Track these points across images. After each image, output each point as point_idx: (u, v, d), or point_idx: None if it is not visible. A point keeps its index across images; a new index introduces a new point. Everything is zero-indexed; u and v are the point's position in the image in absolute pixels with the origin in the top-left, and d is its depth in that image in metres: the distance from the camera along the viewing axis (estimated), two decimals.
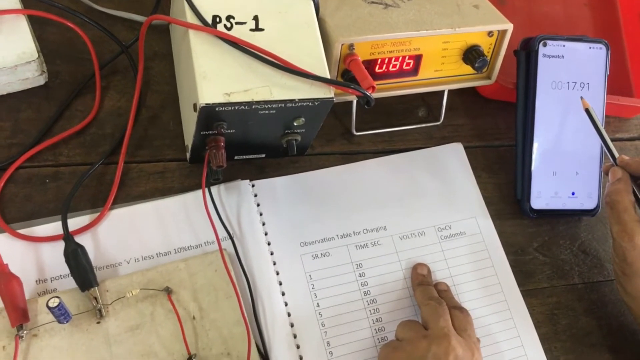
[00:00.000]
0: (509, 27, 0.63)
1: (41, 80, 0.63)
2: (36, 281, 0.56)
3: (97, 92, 0.64)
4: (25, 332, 0.52)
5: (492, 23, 0.63)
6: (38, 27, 0.63)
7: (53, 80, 0.64)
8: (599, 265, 0.70)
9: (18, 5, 0.61)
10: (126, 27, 0.68)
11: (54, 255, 0.56)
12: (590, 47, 0.70)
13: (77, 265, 0.54)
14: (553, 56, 0.69)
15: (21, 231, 0.57)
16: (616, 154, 0.63)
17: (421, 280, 0.62)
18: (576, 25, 0.82)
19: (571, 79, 0.69)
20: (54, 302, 0.50)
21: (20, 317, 0.52)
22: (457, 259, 0.66)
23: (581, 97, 0.65)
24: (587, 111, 0.64)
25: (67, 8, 0.65)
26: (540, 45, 0.68)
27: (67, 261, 0.55)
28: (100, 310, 0.54)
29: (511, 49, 0.67)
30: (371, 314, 0.61)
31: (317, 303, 0.60)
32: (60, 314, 0.51)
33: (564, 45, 0.69)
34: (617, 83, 0.79)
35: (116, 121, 0.64)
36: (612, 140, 0.65)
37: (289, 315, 0.59)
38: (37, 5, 0.64)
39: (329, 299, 0.61)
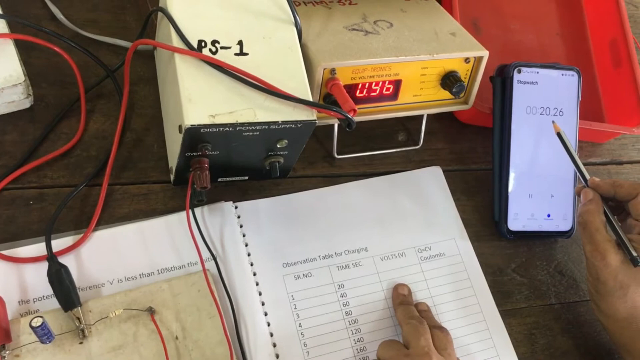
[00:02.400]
0: (485, 54, 0.65)
1: (27, 104, 0.63)
2: (19, 302, 0.56)
3: (82, 115, 0.65)
4: (7, 352, 0.52)
5: (468, 50, 0.65)
6: (24, 51, 0.64)
7: (38, 104, 0.64)
8: (575, 285, 0.72)
9: (5, 30, 0.62)
10: (111, 52, 0.69)
11: (37, 276, 0.56)
12: (562, 74, 0.73)
13: (60, 285, 0.55)
14: (527, 82, 0.71)
15: (4, 252, 0.57)
16: (587, 176, 0.65)
17: (402, 300, 0.63)
18: (549, 54, 0.85)
19: (545, 105, 0.72)
20: (37, 322, 0.50)
21: (3, 337, 0.52)
22: (436, 280, 0.67)
23: (553, 121, 0.67)
24: (559, 135, 0.66)
25: (54, 33, 0.66)
26: (515, 72, 0.71)
27: (51, 281, 0.55)
28: (83, 331, 0.54)
29: (487, 75, 0.70)
30: (353, 333, 0.62)
31: (300, 323, 0.61)
32: (43, 334, 0.51)
33: (537, 72, 0.72)
34: (589, 109, 0.82)
35: (101, 144, 0.65)
36: (585, 164, 0.67)
37: (271, 335, 0.59)
38: (24, 29, 0.65)
39: (311, 319, 0.61)
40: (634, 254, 0.60)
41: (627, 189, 0.64)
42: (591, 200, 0.63)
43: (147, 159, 0.65)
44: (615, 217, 0.64)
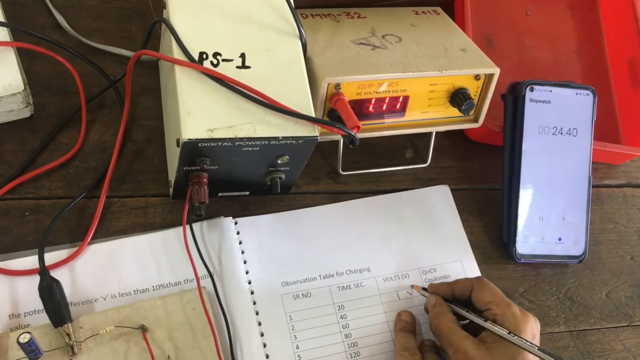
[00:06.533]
0: (496, 71, 0.63)
1: (27, 113, 0.62)
2: (9, 316, 0.54)
3: (82, 126, 0.64)
4: None
5: (479, 67, 0.63)
6: (27, 59, 0.63)
7: (39, 113, 0.64)
8: (586, 313, 0.69)
9: (7, 38, 0.61)
10: (115, 62, 0.68)
11: (29, 290, 0.55)
12: (577, 93, 0.71)
13: (51, 300, 0.53)
14: (540, 101, 0.69)
15: None
16: (425, 286, 0.63)
17: (403, 327, 0.60)
18: (565, 71, 0.82)
19: (558, 124, 0.70)
20: (24, 338, 0.49)
21: None
22: None
23: (412, 285, 0.64)
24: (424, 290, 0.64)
25: (57, 42, 0.65)
26: (527, 90, 0.69)
27: (42, 296, 0.54)
28: (72, 347, 0.53)
29: (499, 92, 0.68)
30: (351, 357, 0.60)
31: (297, 345, 0.59)
32: (31, 350, 0.50)
33: (550, 91, 0.70)
34: (605, 129, 0.79)
35: (101, 155, 0.63)
36: (600, 186, 0.64)
37: (267, 357, 0.58)
38: (27, 38, 0.64)
39: (309, 340, 0.59)
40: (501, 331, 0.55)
41: (462, 284, 0.60)
42: (435, 304, 0.60)
43: (147, 172, 0.64)
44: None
